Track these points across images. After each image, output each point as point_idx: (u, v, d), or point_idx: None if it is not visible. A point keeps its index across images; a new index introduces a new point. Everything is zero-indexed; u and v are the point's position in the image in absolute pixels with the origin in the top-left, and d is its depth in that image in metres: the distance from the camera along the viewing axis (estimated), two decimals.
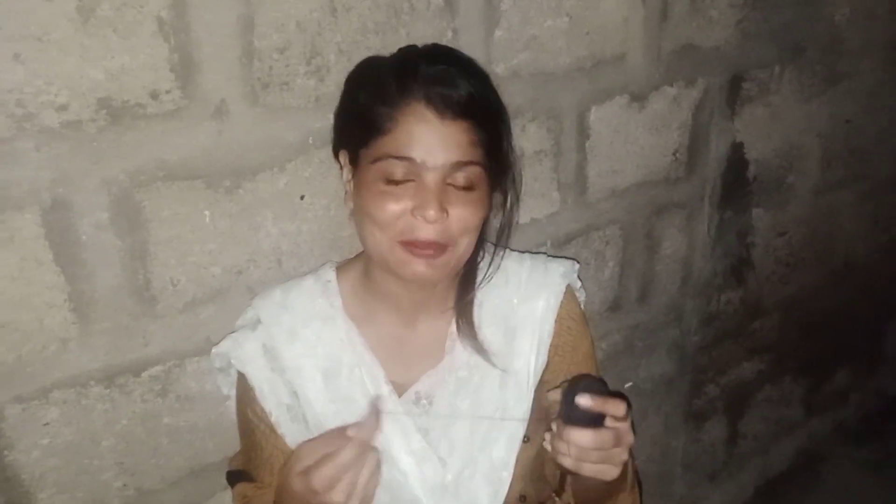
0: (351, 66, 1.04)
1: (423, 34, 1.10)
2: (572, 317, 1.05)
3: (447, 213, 0.87)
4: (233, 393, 1.03)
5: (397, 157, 0.86)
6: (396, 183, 0.87)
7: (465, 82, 0.88)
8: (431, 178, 0.86)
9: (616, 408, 0.81)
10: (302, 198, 1.08)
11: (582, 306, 1.09)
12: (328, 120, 1.06)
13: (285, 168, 1.05)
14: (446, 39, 1.13)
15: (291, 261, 1.10)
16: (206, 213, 1.01)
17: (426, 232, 0.87)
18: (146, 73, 0.91)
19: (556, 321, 1.03)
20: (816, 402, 2.30)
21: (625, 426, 0.83)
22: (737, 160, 1.70)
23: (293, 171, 1.06)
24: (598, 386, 0.83)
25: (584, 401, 0.80)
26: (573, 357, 1.05)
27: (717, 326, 1.86)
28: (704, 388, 1.92)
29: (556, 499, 1.03)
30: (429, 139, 0.86)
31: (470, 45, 1.15)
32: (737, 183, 1.72)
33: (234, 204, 1.02)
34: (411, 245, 0.88)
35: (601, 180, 1.44)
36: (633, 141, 1.46)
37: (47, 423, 0.98)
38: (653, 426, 1.82)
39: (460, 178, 0.88)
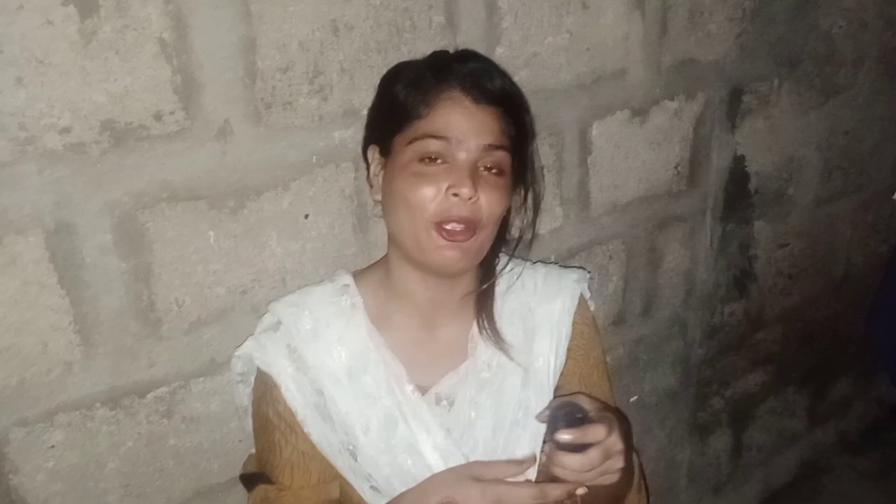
0: (354, 85, 1.05)
1: (425, 52, 1.10)
2: (585, 322, 1.09)
3: (478, 194, 0.90)
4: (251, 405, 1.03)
5: (434, 136, 0.90)
6: (431, 162, 0.90)
7: (498, 77, 0.95)
8: (465, 159, 0.90)
9: (595, 434, 0.84)
10: (306, 217, 1.08)
11: (593, 314, 1.12)
12: (332, 139, 1.06)
13: (289, 187, 1.05)
14: None
15: (296, 280, 1.09)
16: (210, 233, 1.01)
17: (459, 209, 0.89)
18: (149, 95, 0.91)
19: (572, 324, 1.06)
20: (819, 413, 2.29)
21: (610, 441, 0.85)
22: (738, 173, 1.70)
23: (297, 191, 1.06)
24: (576, 412, 0.87)
25: (564, 437, 0.84)
26: (585, 361, 1.07)
27: (721, 339, 1.86)
28: (709, 400, 1.92)
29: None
30: (463, 121, 0.90)
31: None
32: (738, 195, 1.73)
33: (238, 224, 1.02)
34: (443, 229, 0.90)
35: (603, 195, 1.44)
36: (635, 155, 1.46)
37: (52, 446, 0.97)
38: (657, 439, 1.81)
39: (490, 161, 0.92)
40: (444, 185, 0.89)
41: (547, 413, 0.90)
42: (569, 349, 1.05)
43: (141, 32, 0.89)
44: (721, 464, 2.05)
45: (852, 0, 1.80)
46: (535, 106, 1.25)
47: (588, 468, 0.84)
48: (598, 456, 0.84)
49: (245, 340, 1.01)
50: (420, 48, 1.10)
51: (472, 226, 0.90)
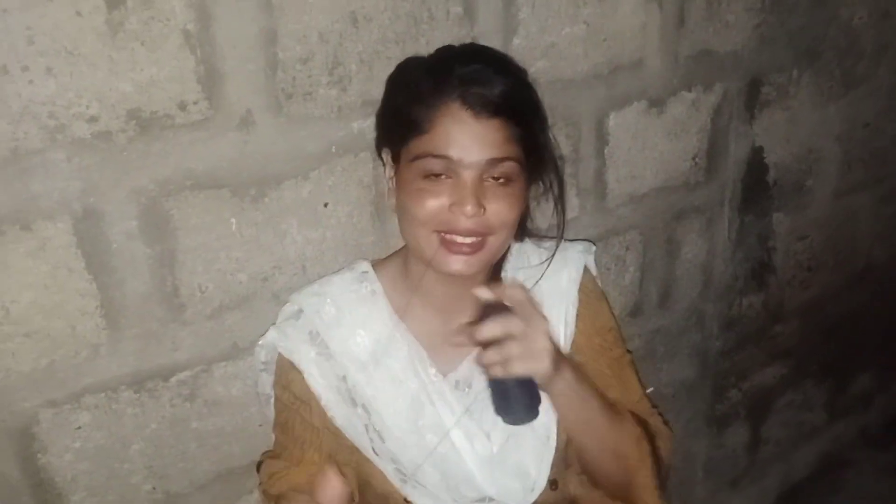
0: (372, 76, 1.06)
1: (442, 43, 1.11)
2: (589, 291, 1.10)
3: (484, 208, 0.90)
4: (273, 392, 1.05)
5: (435, 156, 0.89)
6: (435, 179, 0.90)
7: (500, 80, 0.91)
8: (468, 175, 0.89)
9: (514, 292, 0.88)
10: (325, 205, 1.10)
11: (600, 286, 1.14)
12: (350, 129, 1.08)
13: (309, 176, 1.07)
14: None
15: (316, 267, 1.11)
16: (233, 221, 1.03)
17: (464, 223, 0.90)
18: (173, 85, 0.93)
19: (577, 292, 1.08)
20: (839, 407, 2.28)
21: (529, 310, 0.87)
22: (756, 164, 1.69)
23: (317, 180, 1.08)
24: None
25: (483, 293, 0.87)
26: (594, 323, 1.09)
27: (739, 331, 1.85)
28: (726, 392, 1.91)
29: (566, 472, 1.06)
30: (465, 138, 0.89)
31: None
32: (757, 187, 1.72)
33: (259, 212, 1.04)
34: (450, 243, 0.91)
35: (620, 186, 1.45)
36: (652, 146, 1.46)
37: (79, 427, 1.00)
38: (674, 431, 1.81)
39: (496, 173, 0.91)
40: (448, 202, 0.90)
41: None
42: (578, 314, 1.07)
43: (166, 24, 0.91)
44: (738, 457, 2.04)
45: None
46: (552, 96, 1.27)
47: (507, 332, 0.84)
48: (518, 322, 0.85)
49: (267, 328, 1.03)
50: (438, 39, 1.11)
51: (480, 237, 0.91)
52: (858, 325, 2.18)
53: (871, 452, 2.34)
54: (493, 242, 0.93)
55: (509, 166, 0.91)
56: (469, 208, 0.88)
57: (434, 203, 0.90)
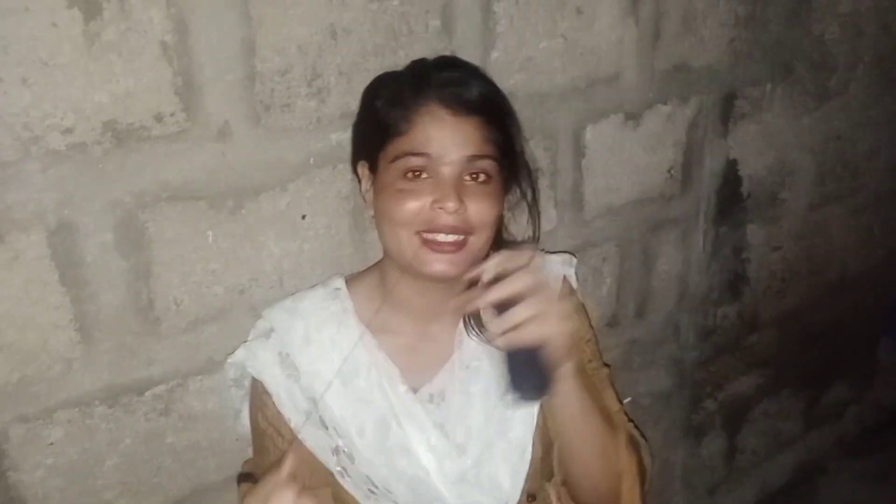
0: (351, 88, 1.07)
1: (421, 56, 1.11)
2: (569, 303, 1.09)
3: (465, 205, 0.90)
4: (245, 407, 1.05)
5: (414, 154, 0.90)
6: (415, 178, 0.90)
7: (476, 83, 0.95)
8: (448, 172, 0.90)
9: (518, 259, 0.85)
10: (303, 217, 1.10)
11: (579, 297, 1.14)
12: (329, 140, 1.08)
13: (287, 188, 1.07)
14: None
15: (293, 280, 1.11)
16: (209, 233, 1.02)
17: (445, 220, 0.89)
18: (150, 96, 0.93)
19: None
20: (815, 416, 2.30)
21: (539, 276, 0.84)
22: (731, 177, 1.72)
23: (295, 192, 1.08)
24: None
25: (488, 269, 0.84)
26: (574, 336, 1.05)
27: (715, 341, 1.87)
28: (702, 402, 1.93)
29: (547, 484, 1.05)
30: (444, 135, 0.90)
31: None
32: (731, 199, 1.74)
33: (236, 224, 1.04)
34: (432, 242, 0.90)
35: (597, 198, 1.46)
36: (629, 159, 1.48)
37: (52, 443, 0.98)
38: (651, 441, 1.80)
39: (475, 171, 0.91)
40: (429, 200, 0.90)
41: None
42: None
43: (143, 35, 0.90)
44: (715, 466, 2.06)
45: (848, 6, 1.81)
46: (530, 110, 1.28)
47: (515, 292, 0.81)
48: (525, 283, 0.82)
49: (244, 341, 1.03)
50: (416, 52, 1.12)
51: (462, 234, 0.91)
52: (833, 335, 2.20)
53: (847, 461, 2.36)
54: (475, 242, 0.93)
55: (487, 164, 0.92)
56: (451, 204, 0.88)
57: (415, 203, 0.90)
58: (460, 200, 0.89)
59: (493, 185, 0.94)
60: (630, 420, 1.15)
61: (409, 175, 0.91)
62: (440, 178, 0.90)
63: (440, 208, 0.89)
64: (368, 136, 0.98)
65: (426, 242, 0.91)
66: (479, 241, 0.93)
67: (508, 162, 0.97)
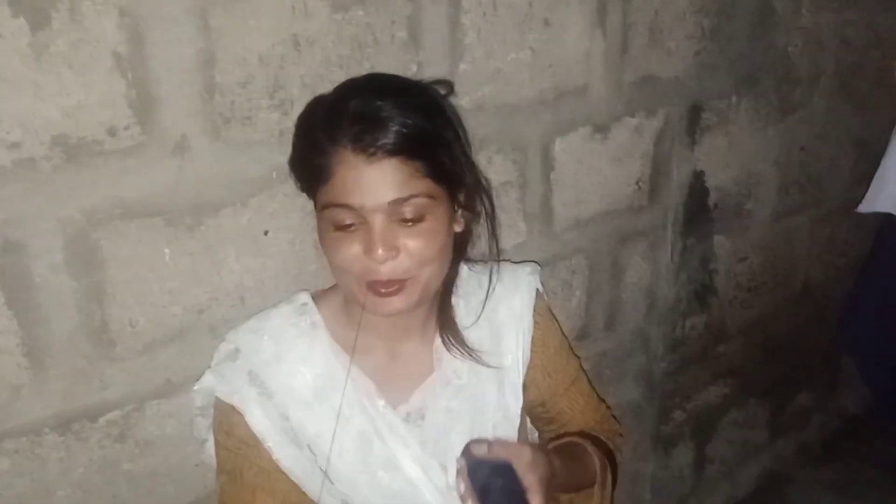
0: None
1: (387, 68, 1.09)
2: (542, 312, 1.11)
3: (397, 250, 0.87)
4: (210, 437, 1.00)
5: (337, 205, 0.87)
6: (346, 228, 0.88)
7: (396, 118, 0.86)
8: (374, 220, 0.87)
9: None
10: (266, 233, 1.06)
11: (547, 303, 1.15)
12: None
13: (248, 203, 1.03)
14: (411, 73, 1.13)
15: (255, 298, 1.07)
16: (166, 251, 0.98)
17: (382, 272, 0.88)
18: (103, 110, 0.89)
19: (533, 314, 1.08)
20: (780, 424, 2.32)
21: (532, 480, 0.84)
22: (698, 188, 1.72)
23: (256, 207, 1.04)
24: (513, 485, 0.85)
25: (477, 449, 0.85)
26: (544, 352, 1.10)
27: (683, 352, 1.87)
28: (671, 413, 1.93)
29: None
30: (361, 184, 0.85)
31: (435, 79, 1.15)
32: (698, 210, 1.75)
33: (195, 241, 1.00)
34: (375, 286, 0.89)
35: (566, 210, 1.45)
36: (597, 171, 1.47)
37: None
38: (622, 454, 1.81)
39: (405, 212, 0.87)
40: (360, 250, 0.87)
41: (470, 468, 0.87)
42: (532, 341, 1.07)
43: (95, 46, 0.86)
44: (685, 477, 2.06)
45: (809, 20, 1.84)
46: (499, 122, 1.26)
47: None
48: None
49: (203, 363, 0.99)
50: (382, 64, 1.09)
51: (401, 283, 0.89)
52: (797, 344, 2.23)
53: (812, 469, 2.39)
54: (421, 277, 0.91)
55: (417, 203, 0.87)
56: (379, 253, 0.86)
57: (349, 252, 0.88)
58: (389, 248, 0.86)
59: (430, 220, 0.89)
60: (608, 407, 1.21)
61: (340, 226, 0.88)
62: (367, 228, 0.87)
63: (370, 258, 0.87)
64: (300, 177, 0.96)
65: (371, 286, 0.89)
66: (425, 273, 0.91)
67: (449, 185, 0.92)
